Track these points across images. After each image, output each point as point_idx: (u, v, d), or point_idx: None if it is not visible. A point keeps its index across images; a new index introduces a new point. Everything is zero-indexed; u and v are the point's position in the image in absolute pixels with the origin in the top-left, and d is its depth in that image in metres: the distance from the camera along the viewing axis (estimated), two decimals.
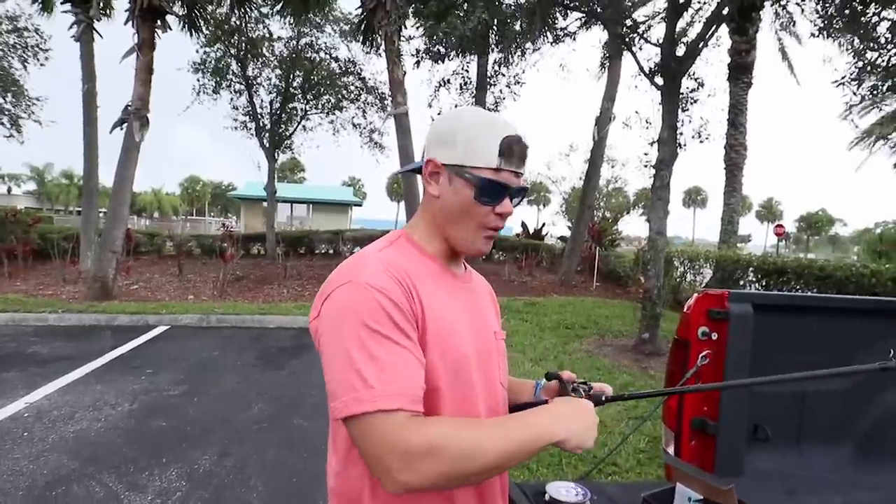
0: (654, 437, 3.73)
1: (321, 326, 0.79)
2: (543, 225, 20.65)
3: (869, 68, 9.28)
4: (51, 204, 55.74)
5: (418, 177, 0.93)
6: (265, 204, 15.88)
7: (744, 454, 1.53)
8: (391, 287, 0.77)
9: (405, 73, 9.96)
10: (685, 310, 1.60)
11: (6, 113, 13.16)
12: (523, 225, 19.50)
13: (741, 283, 9.50)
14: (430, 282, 0.85)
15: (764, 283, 8.90)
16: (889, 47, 8.76)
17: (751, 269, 9.34)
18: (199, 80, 12.55)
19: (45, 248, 10.80)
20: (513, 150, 0.85)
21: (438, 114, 8.90)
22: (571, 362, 5.68)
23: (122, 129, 8.02)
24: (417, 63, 10.28)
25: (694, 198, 74.55)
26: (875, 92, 9.72)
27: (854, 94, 9.81)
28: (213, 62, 12.35)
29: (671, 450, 1.61)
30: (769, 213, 73.44)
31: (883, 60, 9.09)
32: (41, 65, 12.26)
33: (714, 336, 1.50)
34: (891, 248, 22.68)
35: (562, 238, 18.07)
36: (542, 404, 0.95)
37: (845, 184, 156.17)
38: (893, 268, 6.91)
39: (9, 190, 55.94)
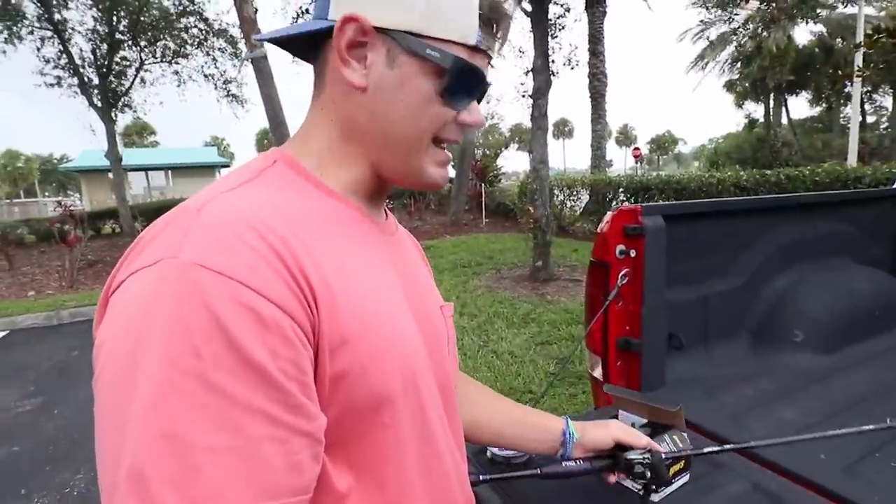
0: (559, 358, 3.90)
1: (98, 350, 0.39)
2: None
3: None
4: None
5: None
6: (111, 175, 13.70)
7: (664, 365, 1.54)
8: (254, 275, 0.38)
9: (257, 9, 8.71)
10: (599, 230, 1.53)
11: None
12: None
13: (613, 203, 10.35)
14: (336, 240, 0.48)
15: (632, 200, 9.79)
16: None
17: (620, 189, 10.22)
18: None
19: None
20: (490, 16, 0.51)
21: None
22: (474, 300, 5.75)
23: None
24: None
25: (562, 129, 79.08)
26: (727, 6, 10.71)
27: (707, 8, 10.75)
28: None
29: (598, 373, 1.58)
30: (626, 138, 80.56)
31: None
32: None
33: (632, 253, 1.45)
34: (724, 159, 26.63)
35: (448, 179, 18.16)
36: (576, 468, 0.78)
37: (685, 105, 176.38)
38: (733, 175, 7.96)
39: None
